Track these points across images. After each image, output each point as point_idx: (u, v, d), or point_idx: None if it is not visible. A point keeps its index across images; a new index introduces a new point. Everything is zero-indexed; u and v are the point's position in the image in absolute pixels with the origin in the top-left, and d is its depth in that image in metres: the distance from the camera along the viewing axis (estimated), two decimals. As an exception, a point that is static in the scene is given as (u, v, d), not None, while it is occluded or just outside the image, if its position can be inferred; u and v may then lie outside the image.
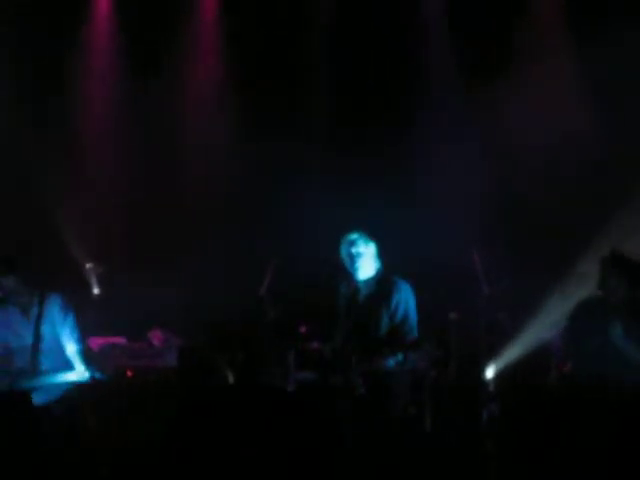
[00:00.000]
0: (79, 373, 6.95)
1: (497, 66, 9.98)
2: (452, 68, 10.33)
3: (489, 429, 6.80)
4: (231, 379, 7.52)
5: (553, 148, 9.69)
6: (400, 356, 6.62)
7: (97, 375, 6.91)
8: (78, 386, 6.92)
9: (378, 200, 9.61)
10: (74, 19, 10.49)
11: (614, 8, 9.68)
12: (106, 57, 10.74)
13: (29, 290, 7.14)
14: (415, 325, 6.83)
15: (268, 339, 7.42)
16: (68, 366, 7.04)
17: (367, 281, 6.94)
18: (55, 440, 6.54)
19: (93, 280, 7.24)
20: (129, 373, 7.66)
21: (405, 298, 6.87)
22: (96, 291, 7.23)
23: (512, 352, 7.39)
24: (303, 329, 7.26)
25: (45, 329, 7.03)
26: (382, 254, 7.03)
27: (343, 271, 7.10)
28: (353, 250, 6.95)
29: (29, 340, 7.01)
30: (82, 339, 7.16)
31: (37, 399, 6.73)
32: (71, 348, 7.07)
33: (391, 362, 6.64)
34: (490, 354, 7.39)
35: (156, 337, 8.21)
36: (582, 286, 7.38)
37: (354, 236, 7.00)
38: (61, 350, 7.09)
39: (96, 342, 8.11)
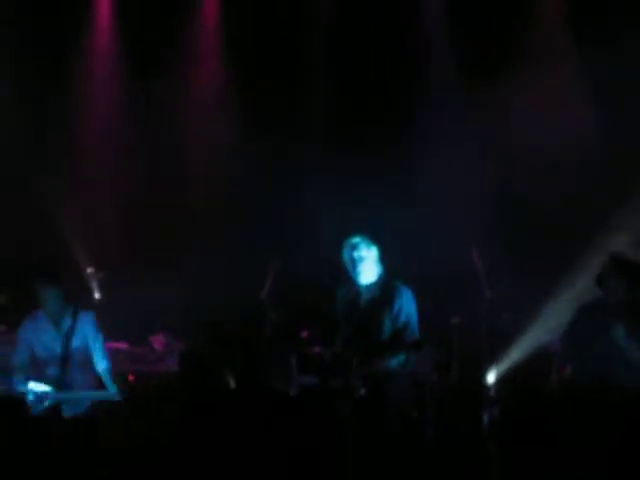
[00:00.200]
0: (110, 390, 7.01)
1: (497, 66, 9.98)
2: (452, 68, 10.34)
3: (491, 432, 6.80)
4: (233, 383, 7.53)
5: (553, 148, 9.67)
6: (402, 357, 6.61)
7: (123, 393, 6.99)
8: (105, 402, 6.97)
9: (378, 200, 9.62)
10: (75, 20, 10.46)
11: (614, 8, 9.67)
12: (107, 59, 10.75)
13: (64, 304, 7.16)
14: (416, 330, 6.81)
15: (270, 343, 7.42)
16: (94, 381, 7.13)
17: (369, 285, 6.89)
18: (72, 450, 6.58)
19: (94, 285, 7.24)
20: (131, 378, 7.67)
21: (407, 303, 6.84)
22: (97, 296, 7.22)
23: (513, 355, 7.39)
24: (305, 333, 7.27)
25: (75, 343, 7.06)
26: (384, 258, 6.99)
27: (344, 273, 7.08)
28: (355, 254, 6.90)
29: (57, 352, 7.02)
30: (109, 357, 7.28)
31: (66, 411, 6.83)
32: (102, 365, 7.16)
33: (393, 362, 6.63)
34: (492, 357, 7.38)
35: (158, 341, 8.22)
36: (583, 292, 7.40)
37: (356, 240, 6.95)
38: (88, 365, 7.15)
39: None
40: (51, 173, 10.13)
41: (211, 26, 10.76)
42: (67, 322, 7.11)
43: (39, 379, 6.90)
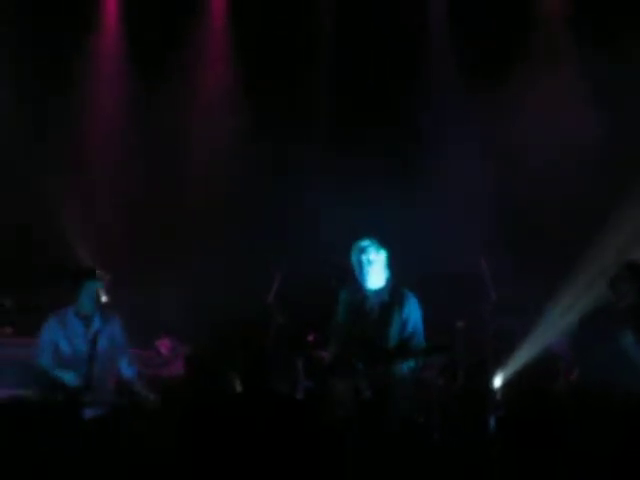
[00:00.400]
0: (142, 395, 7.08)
1: (498, 66, 9.98)
2: (452, 68, 10.32)
3: (497, 436, 6.81)
4: (239, 387, 7.53)
5: (554, 148, 9.68)
6: (411, 363, 6.62)
7: (152, 397, 7.03)
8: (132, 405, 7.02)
9: (379, 201, 9.62)
10: (80, 20, 10.43)
11: (615, 8, 9.67)
12: (112, 59, 10.73)
13: (97, 303, 7.22)
14: (423, 337, 6.80)
15: (276, 346, 7.42)
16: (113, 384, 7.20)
17: (377, 290, 6.86)
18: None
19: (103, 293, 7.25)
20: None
21: (414, 311, 6.82)
22: (104, 299, 7.22)
23: (518, 358, 7.39)
24: (311, 337, 7.27)
25: (102, 344, 7.12)
26: (392, 262, 6.97)
27: (348, 274, 7.05)
28: (364, 257, 6.85)
29: (83, 350, 7.07)
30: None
31: (87, 413, 6.85)
32: (130, 371, 7.28)
33: (404, 367, 6.63)
34: (498, 361, 7.38)
35: (164, 345, 8.21)
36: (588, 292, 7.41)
37: (365, 243, 6.91)
38: (112, 367, 7.23)
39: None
40: (51, 173, 10.10)
41: (217, 28, 10.73)
42: (97, 322, 7.19)
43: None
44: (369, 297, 6.87)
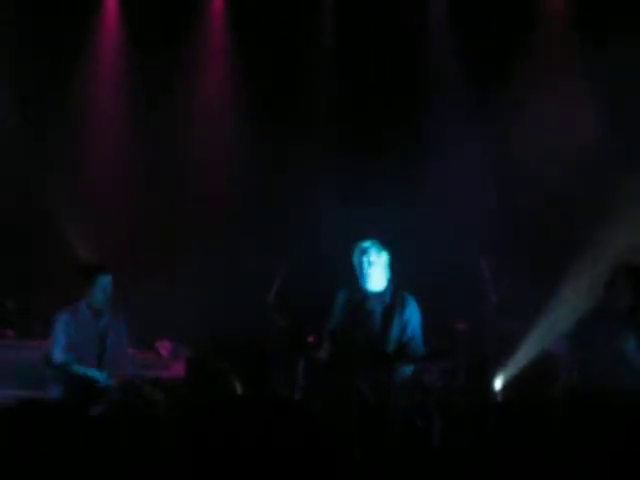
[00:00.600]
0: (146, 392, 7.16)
1: (499, 67, 9.97)
2: (454, 68, 10.31)
3: (497, 439, 6.80)
4: (239, 389, 7.53)
5: (558, 150, 9.67)
6: (412, 366, 6.64)
7: (159, 396, 7.10)
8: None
9: (380, 201, 9.62)
10: (78, 21, 10.41)
11: (618, 9, 9.66)
12: (111, 59, 10.70)
13: (110, 298, 7.34)
14: (421, 342, 6.81)
15: (276, 348, 7.42)
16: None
17: (378, 293, 6.87)
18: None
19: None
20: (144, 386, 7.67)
21: (415, 315, 6.84)
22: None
23: (518, 361, 7.40)
24: (311, 339, 7.28)
25: (110, 340, 7.26)
26: (394, 264, 6.96)
27: (348, 274, 7.05)
28: (365, 259, 6.85)
29: (92, 344, 7.18)
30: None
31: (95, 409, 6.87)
32: (134, 370, 7.42)
33: (406, 371, 6.64)
34: (498, 363, 7.39)
35: (164, 347, 8.22)
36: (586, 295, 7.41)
37: (367, 244, 6.90)
38: (118, 364, 7.29)
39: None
40: (51, 173, 10.10)
41: (217, 28, 10.71)
42: (106, 317, 7.27)
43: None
44: (370, 298, 6.87)
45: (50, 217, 10.04)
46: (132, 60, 10.57)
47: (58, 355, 7.17)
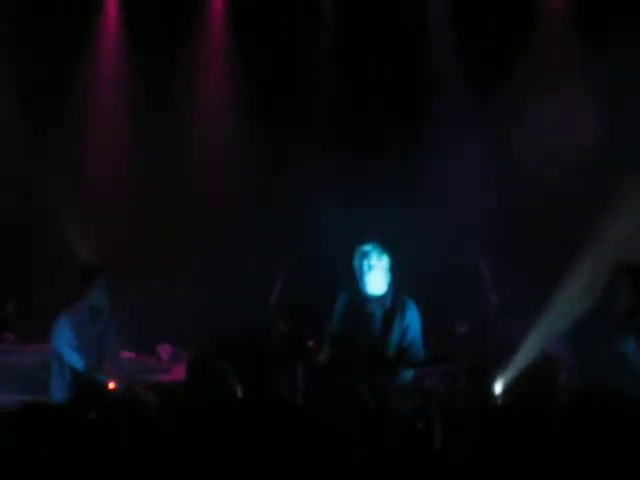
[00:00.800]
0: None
1: (500, 67, 9.96)
2: (455, 68, 10.30)
3: (497, 442, 6.81)
4: (240, 393, 7.52)
5: (559, 150, 9.66)
6: (413, 372, 6.65)
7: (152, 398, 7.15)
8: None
9: (379, 201, 9.62)
10: (79, 21, 10.39)
11: (618, 9, 9.66)
12: (111, 59, 10.69)
13: (107, 299, 7.37)
14: (422, 347, 6.81)
15: (277, 350, 7.43)
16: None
17: (378, 297, 6.85)
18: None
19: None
20: (138, 388, 7.68)
21: (415, 319, 6.83)
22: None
23: (518, 363, 7.39)
24: (312, 342, 7.28)
25: (106, 341, 7.32)
26: (395, 268, 6.95)
27: (349, 276, 7.03)
28: (365, 262, 6.83)
29: (91, 346, 7.21)
30: None
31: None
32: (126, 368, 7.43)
33: (407, 375, 6.65)
34: (499, 366, 7.39)
35: (165, 351, 8.22)
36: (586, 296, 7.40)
37: (368, 247, 6.87)
38: (112, 363, 7.36)
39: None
40: (51, 173, 10.10)
41: (217, 28, 10.70)
42: (104, 318, 7.38)
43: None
44: (370, 302, 6.86)
45: (50, 217, 10.00)
46: (132, 60, 10.56)
47: (77, 360, 7.18)
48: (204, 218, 10.49)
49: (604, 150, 9.60)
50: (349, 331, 6.86)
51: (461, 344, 7.51)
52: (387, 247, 7.04)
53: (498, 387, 7.28)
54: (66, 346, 7.20)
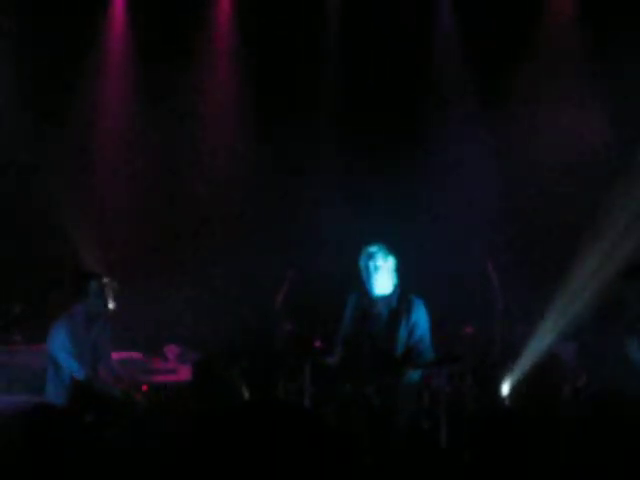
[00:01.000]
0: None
1: (503, 67, 9.98)
2: (456, 69, 10.31)
3: (504, 443, 6.81)
4: (247, 395, 7.52)
5: (561, 150, 9.68)
6: (421, 372, 6.65)
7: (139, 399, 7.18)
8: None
9: (383, 206, 9.64)
10: (79, 21, 10.34)
11: (618, 8, 9.67)
12: (112, 59, 10.67)
13: (104, 305, 7.36)
14: (430, 345, 6.81)
15: (284, 353, 7.42)
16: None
17: (385, 297, 6.85)
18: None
19: (109, 294, 7.28)
20: (144, 388, 7.67)
21: (422, 318, 6.82)
22: (111, 306, 7.28)
23: (525, 365, 7.40)
24: (318, 343, 7.28)
25: (100, 344, 7.32)
26: (400, 269, 6.95)
27: (358, 280, 7.03)
28: (371, 263, 6.83)
29: (86, 351, 7.21)
30: None
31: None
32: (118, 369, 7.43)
33: (414, 376, 6.65)
34: (505, 367, 7.40)
35: (171, 352, 8.21)
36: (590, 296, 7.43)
37: (374, 249, 6.87)
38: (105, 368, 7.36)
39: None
40: (51, 173, 10.08)
41: (220, 28, 10.69)
42: (100, 322, 7.33)
43: None
44: (376, 303, 6.86)
45: (50, 217, 9.98)
46: (136, 60, 10.53)
47: (76, 368, 7.16)
48: (204, 218, 10.48)
49: (604, 150, 9.63)
50: (356, 332, 6.87)
51: (468, 346, 7.53)
52: (386, 246, 7.03)
53: (505, 388, 7.28)
54: (61, 351, 7.17)
